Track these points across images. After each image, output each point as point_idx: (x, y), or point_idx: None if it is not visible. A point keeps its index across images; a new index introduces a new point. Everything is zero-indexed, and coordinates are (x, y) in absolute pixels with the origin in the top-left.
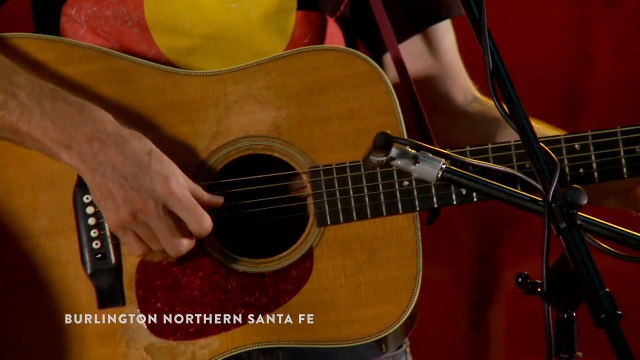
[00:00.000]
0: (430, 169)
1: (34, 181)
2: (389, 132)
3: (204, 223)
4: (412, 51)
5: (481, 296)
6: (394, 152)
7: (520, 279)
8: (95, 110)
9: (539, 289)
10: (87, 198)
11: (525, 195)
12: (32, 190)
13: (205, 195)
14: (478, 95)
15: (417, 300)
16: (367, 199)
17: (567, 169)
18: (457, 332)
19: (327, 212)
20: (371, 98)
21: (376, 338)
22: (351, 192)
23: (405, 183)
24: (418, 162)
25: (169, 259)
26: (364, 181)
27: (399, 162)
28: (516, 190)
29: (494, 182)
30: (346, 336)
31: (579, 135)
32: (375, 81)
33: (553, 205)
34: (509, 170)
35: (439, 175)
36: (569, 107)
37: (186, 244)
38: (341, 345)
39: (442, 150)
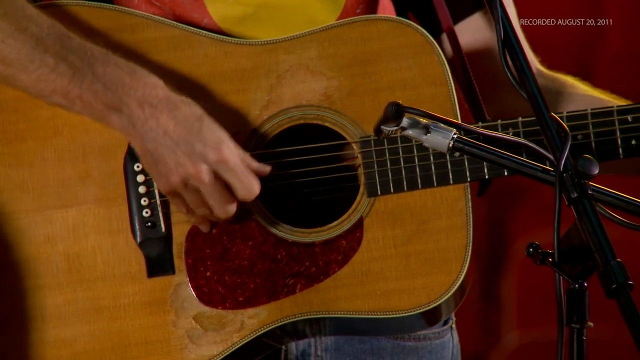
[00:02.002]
0: (441, 138)
1: (85, 149)
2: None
3: (253, 190)
4: (473, 27)
5: (492, 266)
6: (405, 121)
7: (531, 249)
8: (146, 75)
9: (550, 259)
10: (138, 166)
11: (537, 165)
12: (84, 158)
13: (254, 163)
14: (541, 68)
15: (467, 270)
16: (418, 169)
17: (619, 141)
18: (468, 301)
19: (378, 182)
20: (423, 68)
21: (426, 308)
22: (402, 163)
23: (457, 154)
24: (429, 132)
25: (210, 220)
26: (415, 151)
27: (410, 132)
28: (527, 160)
29: (505, 152)
30: (396, 306)
31: (632, 107)
32: (428, 52)
33: (564, 175)
34: (520, 140)
35: (450, 145)
36: (580, 77)
37: (234, 208)
38: (391, 316)
39: (453, 120)
